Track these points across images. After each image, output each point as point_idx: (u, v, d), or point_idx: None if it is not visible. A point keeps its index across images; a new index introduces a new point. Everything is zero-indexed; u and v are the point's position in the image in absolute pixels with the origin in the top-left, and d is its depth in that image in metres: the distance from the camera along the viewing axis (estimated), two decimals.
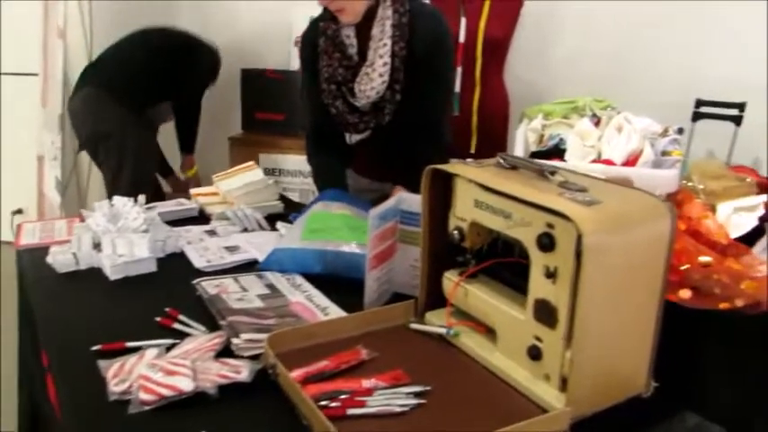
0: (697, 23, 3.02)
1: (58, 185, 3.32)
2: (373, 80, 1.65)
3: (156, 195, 2.64)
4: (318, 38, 1.72)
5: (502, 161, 1.07)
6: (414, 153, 1.66)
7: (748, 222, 1.47)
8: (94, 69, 2.91)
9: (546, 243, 0.91)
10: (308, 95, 1.81)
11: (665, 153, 1.60)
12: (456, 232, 1.10)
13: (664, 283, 0.95)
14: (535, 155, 1.75)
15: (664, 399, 1.42)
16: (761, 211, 1.48)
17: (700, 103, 2.88)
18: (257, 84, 3.32)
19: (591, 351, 0.90)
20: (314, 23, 1.75)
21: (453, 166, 1.08)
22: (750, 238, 1.51)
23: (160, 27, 2.99)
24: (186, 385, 0.94)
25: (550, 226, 0.90)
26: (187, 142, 3.13)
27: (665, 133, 1.68)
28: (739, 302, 1.33)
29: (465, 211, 1.08)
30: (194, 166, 3.21)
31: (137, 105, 2.80)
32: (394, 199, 1.25)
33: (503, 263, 1.08)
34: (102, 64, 2.91)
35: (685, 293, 1.39)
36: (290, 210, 1.85)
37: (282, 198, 1.96)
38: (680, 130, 1.73)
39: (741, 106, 2.81)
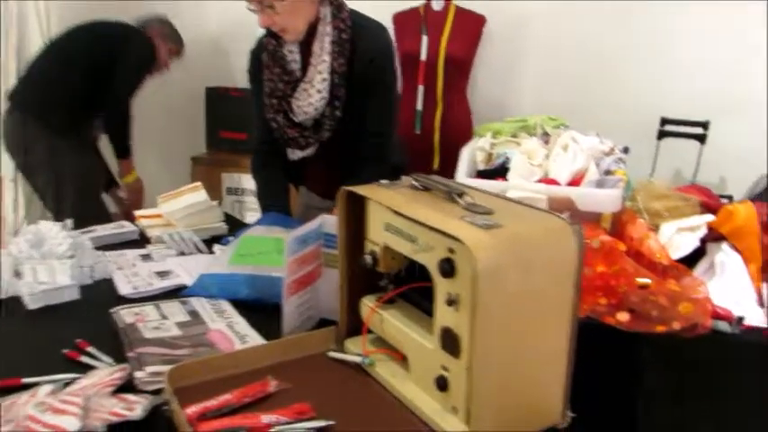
0: (663, 42, 3.02)
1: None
2: (312, 96, 1.62)
3: (100, 217, 2.38)
4: (262, 53, 1.70)
5: (415, 182, 1.04)
6: (358, 170, 1.63)
7: (690, 243, 1.44)
8: (22, 88, 2.66)
9: (447, 269, 0.86)
10: (255, 110, 1.79)
11: (608, 172, 1.57)
12: (369, 256, 1.06)
13: (574, 308, 0.91)
14: (482, 174, 1.72)
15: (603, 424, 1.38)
16: (703, 232, 1.45)
17: (665, 121, 2.86)
18: (221, 102, 3.28)
19: (494, 381, 0.86)
20: (260, 39, 1.73)
21: (365, 188, 1.04)
22: (693, 259, 1.48)
23: (69, 30, 2.71)
24: (71, 425, 0.89)
25: (451, 251, 0.86)
26: (121, 145, 2.77)
27: (610, 152, 1.65)
28: (676, 325, 1.30)
29: (377, 234, 1.04)
30: (132, 170, 2.89)
31: (68, 127, 2.59)
32: (316, 221, 1.21)
33: (419, 288, 1.04)
34: (26, 83, 2.65)
35: (623, 316, 1.35)
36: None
37: (231, 219, 1.92)
38: (625, 150, 1.70)
39: (705, 125, 2.79)
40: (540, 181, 1.63)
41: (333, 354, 1.11)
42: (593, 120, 3.04)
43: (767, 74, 2.87)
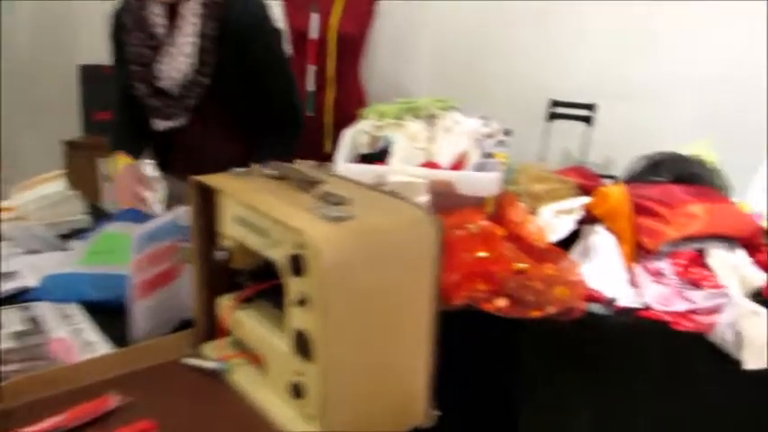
0: (554, 26, 3.06)
1: None
2: (177, 61, 1.50)
3: None
4: (125, 14, 1.56)
5: (270, 171, 0.95)
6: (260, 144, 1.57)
7: (566, 225, 1.44)
8: None
9: (296, 266, 0.79)
10: (115, 75, 1.64)
11: (489, 155, 1.55)
12: (222, 251, 0.97)
13: (433, 301, 0.86)
14: (364, 158, 1.65)
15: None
16: (579, 214, 1.46)
17: (554, 103, 2.91)
18: (96, 81, 3.02)
19: (351, 385, 0.80)
20: None
21: (213, 178, 0.94)
22: (572, 241, 1.49)
23: None
24: None
25: (301, 246, 0.79)
26: None
27: (492, 135, 1.63)
28: (551, 309, 1.29)
29: (229, 227, 0.95)
30: None
31: None
32: (168, 215, 1.10)
33: (279, 285, 0.96)
34: None
35: (501, 302, 1.33)
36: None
37: (100, 211, 1.75)
38: (507, 132, 1.69)
39: (591, 107, 2.86)
40: (422, 165, 1.59)
41: (187, 360, 1.02)
42: (487, 101, 3.06)
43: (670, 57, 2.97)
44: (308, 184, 0.89)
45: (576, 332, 1.30)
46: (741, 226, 1.41)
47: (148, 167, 1.78)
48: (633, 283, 1.39)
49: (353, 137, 1.72)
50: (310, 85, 2.65)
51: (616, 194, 1.40)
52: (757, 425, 1.31)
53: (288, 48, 2.67)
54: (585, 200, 1.46)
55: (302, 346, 0.81)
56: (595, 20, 2.98)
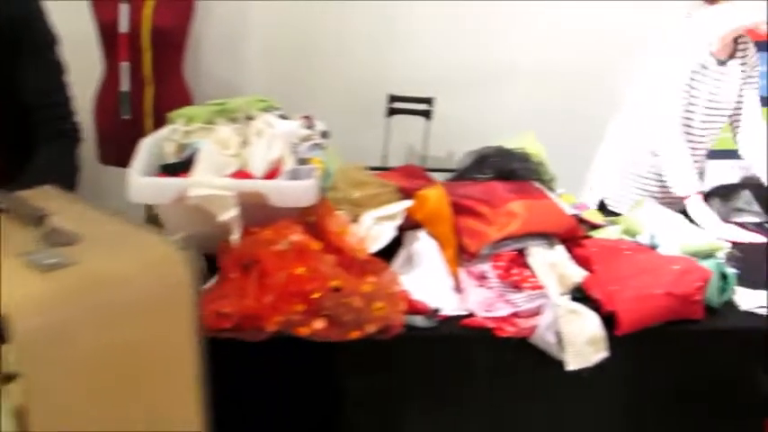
0: (390, 17, 3.00)
1: None
2: None
3: None
4: None
5: None
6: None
7: (388, 233, 1.35)
8: None
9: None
10: None
11: (304, 161, 1.43)
12: None
13: (196, 347, 0.71)
14: (166, 169, 1.47)
15: None
16: (401, 219, 1.37)
17: (392, 98, 2.86)
18: None
19: None
20: None
21: None
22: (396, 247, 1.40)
23: None
24: None
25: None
26: None
27: (309, 138, 1.51)
28: (371, 328, 1.19)
29: None
30: None
31: None
32: None
33: None
34: None
35: (318, 324, 1.22)
36: None
37: None
38: (324, 134, 1.57)
39: (429, 101, 2.84)
40: (234, 174, 1.43)
41: None
42: (325, 99, 2.96)
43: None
44: (32, 219, 0.71)
45: (400, 348, 1.21)
46: (559, 222, 1.40)
47: None
48: (459, 289, 1.33)
49: (156, 145, 1.52)
50: (124, 84, 2.39)
51: (434, 197, 1.33)
52: (587, 426, 1.30)
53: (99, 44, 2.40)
54: (407, 204, 1.38)
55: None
56: (428, 10, 2.96)
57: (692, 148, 2.04)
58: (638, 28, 2.91)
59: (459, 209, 1.43)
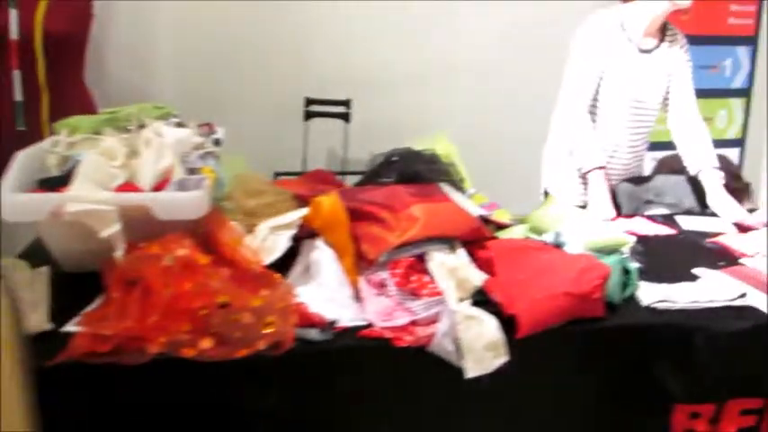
0: (306, 19, 2.93)
1: None
2: None
3: None
4: None
5: None
6: None
7: (283, 243, 1.30)
8: None
9: None
10: None
11: (194, 171, 1.35)
12: None
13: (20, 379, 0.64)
14: (47, 183, 1.36)
15: None
16: (296, 228, 1.32)
17: (309, 101, 2.80)
18: None
19: None
20: None
21: None
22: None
23: None
24: None
25: None
26: None
27: (200, 146, 1.43)
28: (261, 345, 1.13)
29: None
30: None
31: None
32: None
33: None
34: None
35: (206, 344, 1.15)
36: None
37: None
38: (217, 142, 1.50)
39: (347, 103, 2.80)
40: (120, 188, 1.34)
41: None
42: (236, 104, 2.88)
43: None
44: None
45: (292, 363, 1.15)
46: (461, 224, 1.37)
47: None
48: (359, 298, 1.28)
49: (35, 158, 1.42)
50: (17, 94, 2.24)
51: (327, 204, 1.28)
52: None
53: None
54: (303, 212, 1.33)
55: None
56: (346, 11, 2.92)
57: (623, 133, 2.12)
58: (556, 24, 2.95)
59: (360, 215, 1.38)
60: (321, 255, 1.28)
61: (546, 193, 2.28)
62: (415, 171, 1.52)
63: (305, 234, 1.33)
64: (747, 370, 1.36)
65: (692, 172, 2.12)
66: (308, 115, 2.80)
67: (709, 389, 1.36)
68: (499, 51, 3.16)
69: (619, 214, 2.08)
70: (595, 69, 2.04)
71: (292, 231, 1.30)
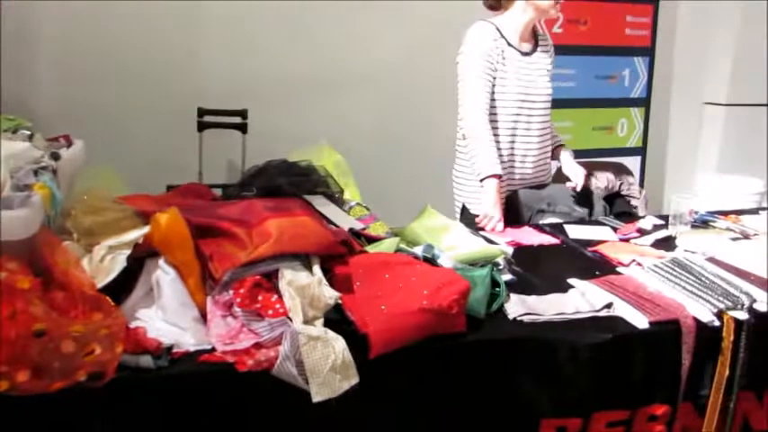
0: (194, 28, 2.83)
1: None
2: None
3: None
4: None
5: None
6: None
7: (119, 264, 1.20)
8: None
9: None
10: None
11: (25, 187, 1.24)
12: None
13: None
14: None
15: None
16: (134, 248, 1.23)
17: (202, 112, 2.70)
18: None
19: None
20: None
21: None
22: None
23: None
24: None
25: None
26: None
27: (37, 161, 1.32)
28: (80, 376, 1.04)
29: None
30: None
31: None
32: None
33: None
34: None
35: (21, 376, 1.04)
36: None
37: None
38: (54, 156, 1.39)
39: (243, 113, 2.71)
40: None
41: None
42: (130, 117, 2.75)
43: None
44: None
45: (123, 393, 1.06)
46: (316, 240, 1.30)
47: None
48: (205, 320, 1.20)
49: None
50: None
51: (166, 221, 1.20)
52: None
53: None
54: (146, 230, 1.24)
55: None
56: (238, 19, 2.83)
57: (522, 136, 2.20)
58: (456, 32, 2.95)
59: (213, 231, 1.31)
60: (162, 275, 1.19)
61: (464, 209, 2.27)
62: (278, 185, 1.45)
63: (148, 253, 1.24)
64: (611, 382, 1.35)
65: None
66: (202, 126, 2.70)
67: (574, 402, 1.34)
68: (402, 59, 3.15)
69: (515, 223, 2.09)
70: (488, 75, 2.10)
71: (129, 250, 1.21)
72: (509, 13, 2.16)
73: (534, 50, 2.21)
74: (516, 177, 2.22)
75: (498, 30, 2.12)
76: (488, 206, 2.02)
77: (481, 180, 2.06)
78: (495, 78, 2.11)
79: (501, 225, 2.00)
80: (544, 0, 2.10)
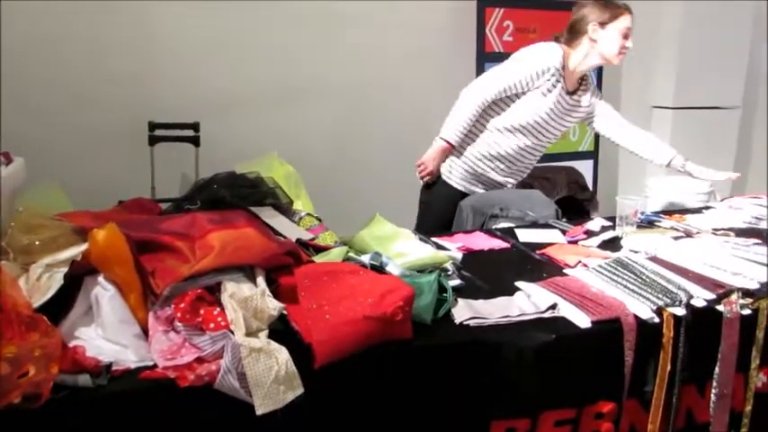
0: (142, 42, 2.80)
1: None
2: None
3: None
4: None
5: None
6: None
7: (57, 282, 1.18)
8: None
9: None
10: None
11: None
12: None
13: None
14: None
15: None
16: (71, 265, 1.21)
17: (153, 125, 2.67)
18: None
19: None
20: None
21: None
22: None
23: None
24: None
25: None
26: None
27: None
28: (15, 398, 1.02)
29: None
30: None
31: None
32: None
33: None
34: None
35: None
36: None
37: None
38: None
39: (195, 126, 2.69)
40: None
41: None
42: (82, 133, 2.71)
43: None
44: None
45: (58, 415, 1.04)
46: (259, 251, 1.30)
47: None
48: (147, 337, 1.19)
49: None
50: None
51: (102, 237, 1.18)
52: None
53: None
54: (83, 247, 1.22)
55: None
56: (190, 33, 2.81)
57: (513, 152, 2.39)
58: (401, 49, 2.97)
59: (155, 246, 1.29)
60: (101, 292, 1.18)
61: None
62: (221, 197, 1.45)
63: (87, 271, 1.22)
64: (557, 381, 1.37)
65: (664, 162, 2.42)
66: (153, 140, 2.67)
67: (521, 403, 1.35)
68: (352, 73, 3.17)
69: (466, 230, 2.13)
70: (517, 86, 2.25)
71: (66, 268, 1.19)
72: (573, 51, 2.26)
73: (577, 90, 2.34)
74: (487, 176, 2.43)
75: (563, 59, 2.23)
76: (429, 159, 2.37)
77: (439, 138, 2.34)
78: (523, 93, 2.26)
79: (429, 179, 2.40)
80: (611, 49, 2.19)
